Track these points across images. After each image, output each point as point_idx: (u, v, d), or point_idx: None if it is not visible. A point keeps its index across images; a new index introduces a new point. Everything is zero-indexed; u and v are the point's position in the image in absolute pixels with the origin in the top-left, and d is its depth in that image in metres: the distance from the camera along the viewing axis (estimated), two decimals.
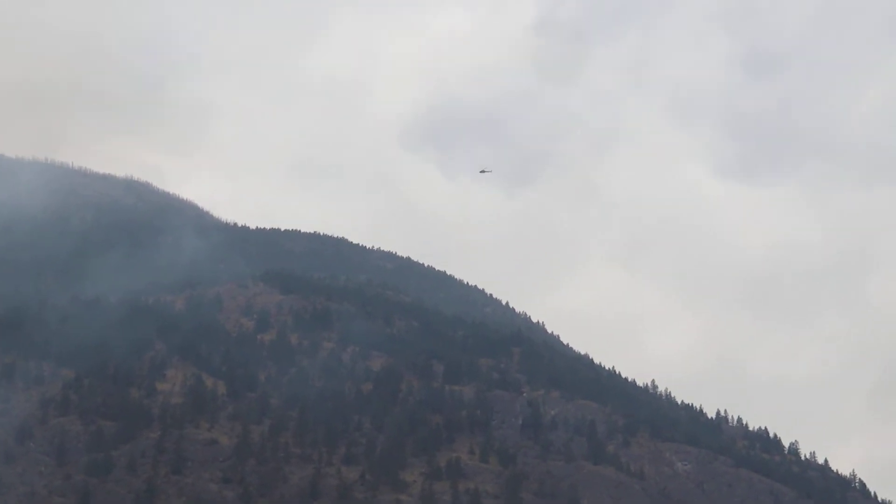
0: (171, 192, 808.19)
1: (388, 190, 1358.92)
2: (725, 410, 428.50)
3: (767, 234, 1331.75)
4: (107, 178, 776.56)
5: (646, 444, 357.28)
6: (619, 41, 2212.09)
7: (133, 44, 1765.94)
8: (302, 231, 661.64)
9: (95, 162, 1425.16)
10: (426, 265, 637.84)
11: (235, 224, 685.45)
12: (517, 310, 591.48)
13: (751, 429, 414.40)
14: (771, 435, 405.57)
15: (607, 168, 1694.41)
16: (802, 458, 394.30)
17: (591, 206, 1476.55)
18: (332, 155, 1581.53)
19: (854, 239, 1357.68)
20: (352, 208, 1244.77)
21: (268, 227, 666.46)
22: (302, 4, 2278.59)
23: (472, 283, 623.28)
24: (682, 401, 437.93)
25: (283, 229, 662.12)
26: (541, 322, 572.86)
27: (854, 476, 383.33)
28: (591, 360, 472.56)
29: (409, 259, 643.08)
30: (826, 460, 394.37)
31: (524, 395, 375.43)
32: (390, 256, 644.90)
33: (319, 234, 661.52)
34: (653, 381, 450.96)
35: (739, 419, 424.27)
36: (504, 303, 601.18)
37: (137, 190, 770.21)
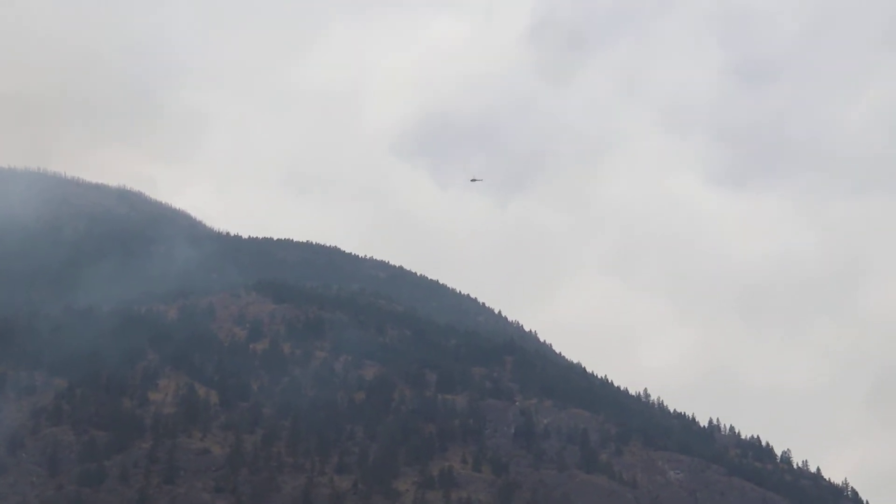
0: (163, 202, 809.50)
1: (381, 199, 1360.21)
2: (718, 419, 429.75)
3: (760, 242, 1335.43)
4: (99, 188, 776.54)
5: (638, 453, 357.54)
6: (612, 50, 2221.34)
7: (126, 53, 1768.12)
8: (294, 240, 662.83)
9: (88, 171, 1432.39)
10: (419, 274, 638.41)
11: (228, 233, 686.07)
12: (510, 319, 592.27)
13: (743, 437, 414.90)
14: (763, 443, 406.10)
15: (600, 177, 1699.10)
16: (795, 466, 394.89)
17: (584, 214, 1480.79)
18: (325, 164, 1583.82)
19: (846, 248, 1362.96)
20: (344, 217, 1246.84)
21: (260, 236, 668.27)
22: (296, 14, 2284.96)
23: (464, 291, 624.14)
24: (675, 409, 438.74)
25: (275, 239, 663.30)
26: (533, 331, 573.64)
27: (846, 484, 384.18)
28: (584, 368, 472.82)
29: (401, 268, 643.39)
30: (818, 469, 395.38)
31: (517, 403, 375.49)
32: (383, 265, 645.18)
33: (312, 243, 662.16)
34: (645, 389, 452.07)
35: (732, 428, 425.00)
36: (497, 312, 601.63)
37: (130, 199, 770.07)
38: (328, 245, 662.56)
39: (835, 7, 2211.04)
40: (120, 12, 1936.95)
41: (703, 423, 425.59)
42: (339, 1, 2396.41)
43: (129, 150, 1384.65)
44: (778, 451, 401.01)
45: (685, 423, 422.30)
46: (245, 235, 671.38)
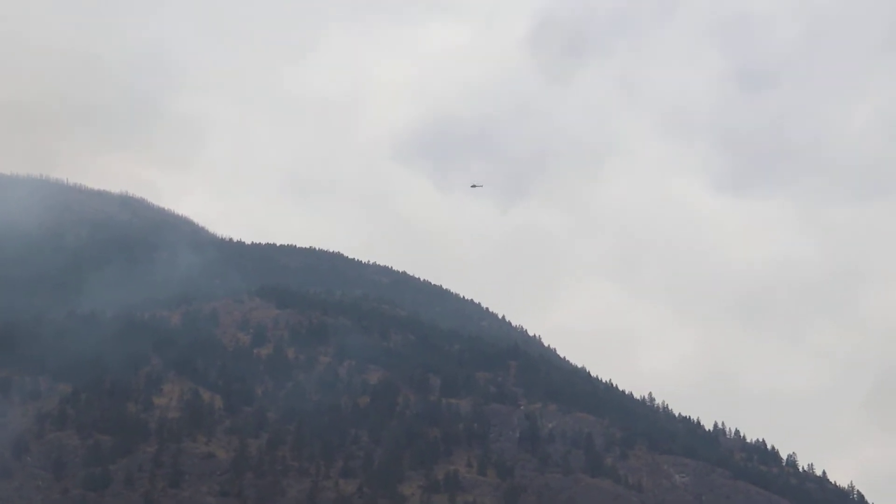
0: (166, 208, 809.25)
1: (383, 205, 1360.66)
2: (723, 423, 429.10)
3: (760, 247, 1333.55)
4: (102, 195, 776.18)
5: (643, 457, 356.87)
6: (612, 56, 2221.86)
7: (127, 60, 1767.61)
8: (297, 246, 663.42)
9: (90, 178, 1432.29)
10: (422, 279, 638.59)
11: (231, 239, 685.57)
12: (513, 323, 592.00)
13: (748, 441, 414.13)
14: (769, 447, 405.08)
15: (601, 181, 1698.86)
16: (800, 469, 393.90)
17: (586, 218, 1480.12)
18: (327, 170, 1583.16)
19: (846, 253, 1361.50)
20: (347, 223, 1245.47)
21: (263, 242, 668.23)
22: (296, 19, 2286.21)
23: (468, 296, 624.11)
24: (680, 413, 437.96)
25: (278, 245, 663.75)
26: (537, 335, 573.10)
27: (852, 487, 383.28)
28: (588, 373, 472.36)
29: (404, 273, 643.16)
30: (824, 472, 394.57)
31: (521, 408, 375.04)
32: (386, 271, 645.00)
33: (315, 249, 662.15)
34: (650, 393, 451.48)
35: (737, 431, 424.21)
36: (500, 316, 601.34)
37: (132, 206, 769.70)
38: (331, 251, 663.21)
39: (835, 12, 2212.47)
40: (121, 19, 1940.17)
41: (708, 426, 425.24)
42: (340, 6, 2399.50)
43: (131, 156, 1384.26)
44: (783, 455, 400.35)
45: (690, 427, 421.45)
46: (248, 241, 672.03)
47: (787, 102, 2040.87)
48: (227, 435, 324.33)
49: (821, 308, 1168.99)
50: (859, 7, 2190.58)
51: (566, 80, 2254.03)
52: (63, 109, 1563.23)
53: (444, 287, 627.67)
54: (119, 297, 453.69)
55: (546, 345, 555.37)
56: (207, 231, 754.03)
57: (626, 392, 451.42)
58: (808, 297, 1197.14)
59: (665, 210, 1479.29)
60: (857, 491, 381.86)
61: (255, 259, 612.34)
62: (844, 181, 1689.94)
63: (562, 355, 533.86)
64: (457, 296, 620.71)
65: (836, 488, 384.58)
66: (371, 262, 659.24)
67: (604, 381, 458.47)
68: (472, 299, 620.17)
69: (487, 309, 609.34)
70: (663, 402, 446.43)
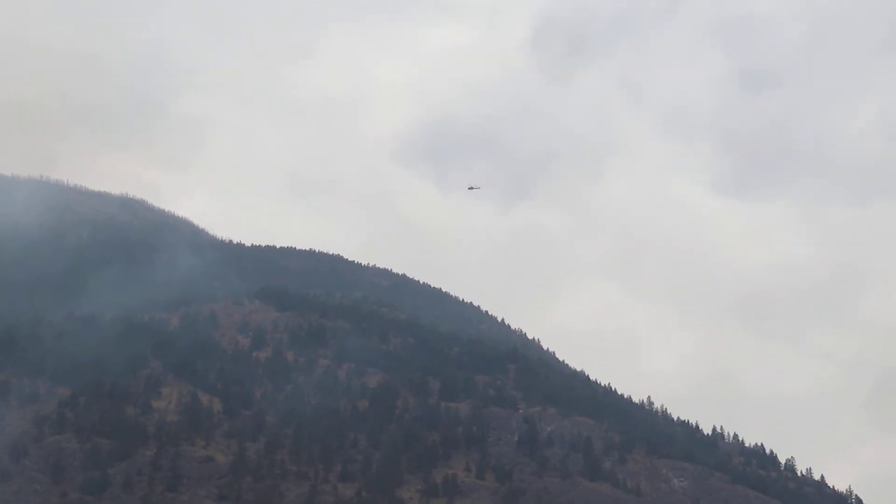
0: (166, 210, 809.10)
1: (383, 207, 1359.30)
2: (721, 427, 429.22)
3: (762, 249, 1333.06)
4: (102, 196, 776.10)
5: (642, 461, 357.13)
6: (613, 57, 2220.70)
7: (127, 60, 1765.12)
8: (297, 248, 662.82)
9: (90, 179, 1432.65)
10: (421, 282, 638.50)
11: (230, 241, 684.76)
12: (513, 326, 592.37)
13: (747, 445, 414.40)
14: (767, 451, 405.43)
15: (603, 182, 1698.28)
16: (799, 474, 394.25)
17: (587, 220, 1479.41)
18: (327, 171, 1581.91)
19: (848, 255, 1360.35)
20: (347, 225, 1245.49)
21: (263, 244, 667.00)
22: (296, 20, 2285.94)
23: (467, 299, 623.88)
24: (678, 417, 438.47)
25: (278, 247, 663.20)
26: (536, 339, 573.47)
27: (850, 492, 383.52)
28: (587, 376, 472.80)
29: (404, 276, 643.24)
30: (822, 476, 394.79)
31: (520, 411, 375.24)
32: (385, 273, 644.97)
33: (315, 251, 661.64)
34: (649, 397, 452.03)
35: (735, 435, 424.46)
36: (500, 319, 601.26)
37: (132, 207, 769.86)
38: (331, 253, 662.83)
39: (836, 12, 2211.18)
40: (121, 19, 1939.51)
41: (707, 430, 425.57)
42: (340, 6, 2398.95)
43: (131, 157, 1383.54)
44: (782, 459, 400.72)
45: (689, 431, 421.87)
46: (248, 243, 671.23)
47: (789, 103, 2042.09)
48: (226, 438, 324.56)
49: (821, 309, 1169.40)
50: (861, 8, 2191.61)
51: (567, 81, 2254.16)
52: (63, 110, 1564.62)
53: (444, 290, 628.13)
54: (118, 299, 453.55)
55: (545, 348, 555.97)
56: (207, 233, 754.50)
57: (625, 396, 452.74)
58: (809, 299, 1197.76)
59: (666, 211, 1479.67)
60: (856, 495, 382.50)
61: (255, 261, 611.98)
62: (846, 182, 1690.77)
63: (561, 359, 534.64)
64: (456, 299, 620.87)
65: (834, 492, 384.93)
66: (371, 265, 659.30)
67: (603, 384, 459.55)
68: (471, 302, 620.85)
69: (487, 312, 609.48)
70: (662, 406, 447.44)
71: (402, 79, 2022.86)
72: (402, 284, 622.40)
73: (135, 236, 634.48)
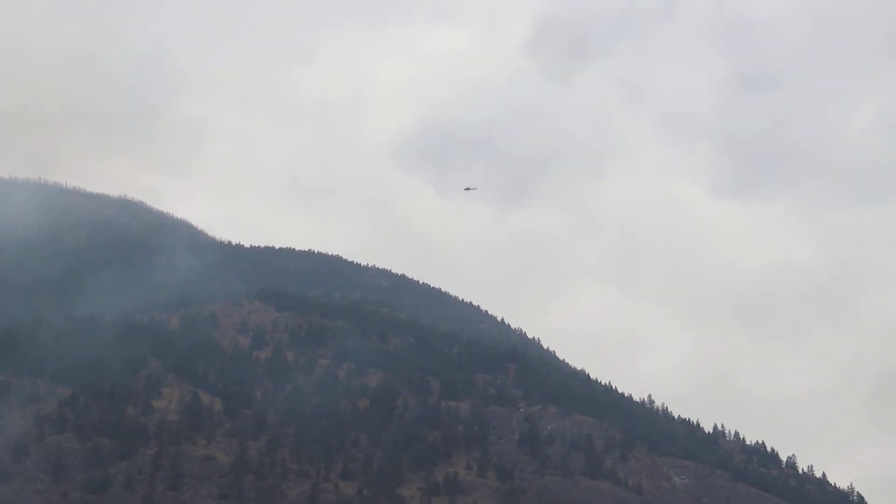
0: (165, 211, 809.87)
1: (383, 207, 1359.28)
2: (722, 425, 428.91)
3: (761, 250, 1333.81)
4: (101, 198, 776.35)
5: (643, 459, 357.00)
6: (613, 59, 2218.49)
7: (126, 63, 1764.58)
8: (296, 249, 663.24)
9: (89, 181, 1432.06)
10: (421, 282, 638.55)
11: (230, 242, 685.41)
12: (513, 326, 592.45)
13: (748, 443, 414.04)
14: (768, 449, 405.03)
15: (602, 184, 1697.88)
16: (800, 471, 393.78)
17: (586, 221, 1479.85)
18: (327, 173, 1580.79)
19: (847, 256, 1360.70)
20: (346, 226, 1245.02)
21: (262, 245, 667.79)
22: (296, 22, 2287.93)
23: (467, 299, 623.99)
24: (679, 415, 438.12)
25: (277, 248, 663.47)
26: (536, 338, 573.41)
27: (852, 489, 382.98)
28: (588, 375, 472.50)
29: (403, 276, 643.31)
30: (824, 474, 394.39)
31: (521, 410, 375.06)
32: (385, 274, 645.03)
33: (314, 252, 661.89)
34: (649, 396, 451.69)
35: (737, 433, 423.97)
36: (499, 319, 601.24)
37: (131, 209, 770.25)
38: (330, 254, 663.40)
39: (837, 14, 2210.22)
40: (121, 20, 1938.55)
41: (708, 428, 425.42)
42: (341, 10, 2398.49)
43: (130, 159, 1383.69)
44: (783, 457, 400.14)
45: (690, 429, 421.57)
46: (247, 244, 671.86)
47: (789, 104, 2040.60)
48: (227, 438, 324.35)
49: (821, 310, 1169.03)
50: (860, 9, 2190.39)
51: (567, 82, 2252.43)
52: (62, 112, 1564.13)
53: (444, 290, 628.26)
54: (118, 301, 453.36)
55: (545, 347, 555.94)
56: (206, 234, 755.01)
57: (626, 394, 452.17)
58: (809, 300, 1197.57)
59: (666, 212, 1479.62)
60: (857, 493, 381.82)
61: (255, 262, 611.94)
62: (846, 183, 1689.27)
63: (561, 357, 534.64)
64: (456, 298, 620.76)
65: (835, 490, 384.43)
66: (370, 265, 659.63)
67: (603, 383, 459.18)
68: (471, 302, 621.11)
69: (487, 312, 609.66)
70: (663, 405, 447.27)
71: (402, 80, 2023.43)
72: (402, 285, 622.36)
73: (134, 238, 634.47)
